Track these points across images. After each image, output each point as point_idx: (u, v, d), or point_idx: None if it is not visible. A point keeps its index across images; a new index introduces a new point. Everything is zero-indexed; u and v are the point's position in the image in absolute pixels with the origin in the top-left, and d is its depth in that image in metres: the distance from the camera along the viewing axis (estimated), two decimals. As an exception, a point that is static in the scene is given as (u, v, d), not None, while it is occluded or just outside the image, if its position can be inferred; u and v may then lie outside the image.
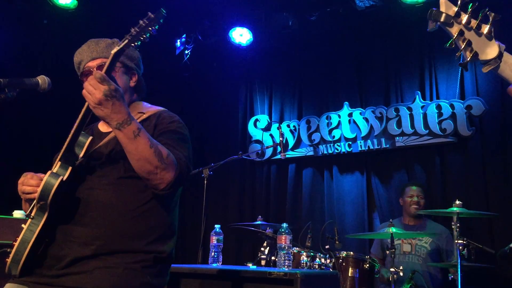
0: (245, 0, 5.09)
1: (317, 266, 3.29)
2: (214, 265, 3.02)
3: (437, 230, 4.09)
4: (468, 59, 1.40)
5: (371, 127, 4.98)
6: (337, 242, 3.67)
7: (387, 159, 5.01)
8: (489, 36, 1.39)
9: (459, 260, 3.19)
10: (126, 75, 1.88)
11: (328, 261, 3.36)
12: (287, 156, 4.72)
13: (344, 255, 3.43)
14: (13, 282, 1.66)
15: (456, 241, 3.25)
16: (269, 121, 5.69)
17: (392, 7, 4.71)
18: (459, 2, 1.38)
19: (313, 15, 5.02)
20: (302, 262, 3.25)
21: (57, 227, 1.67)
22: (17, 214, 3.59)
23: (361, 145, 5.02)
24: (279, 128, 4.24)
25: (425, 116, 4.68)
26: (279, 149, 4.15)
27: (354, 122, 5.10)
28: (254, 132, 5.72)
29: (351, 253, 3.46)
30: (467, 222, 4.15)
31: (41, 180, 1.62)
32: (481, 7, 1.39)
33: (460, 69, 4.60)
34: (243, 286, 2.61)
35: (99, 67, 1.74)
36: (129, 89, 1.90)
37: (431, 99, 4.75)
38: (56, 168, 1.67)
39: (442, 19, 1.38)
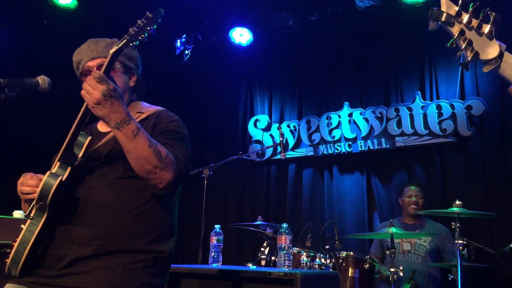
0: (245, 0, 5.09)
1: (317, 266, 3.29)
2: (214, 265, 3.02)
3: (437, 229, 4.10)
4: (469, 58, 1.40)
5: (371, 127, 4.98)
6: (337, 242, 3.67)
7: (387, 159, 5.01)
8: (490, 36, 1.39)
9: (459, 260, 3.19)
10: (125, 75, 1.88)
11: (328, 261, 3.35)
12: (287, 156, 4.72)
13: (344, 255, 3.43)
14: (12, 282, 1.66)
15: (456, 241, 3.25)
16: (269, 121, 5.69)
17: (392, 7, 4.70)
18: (460, 2, 1.38)
19: (313, 15, 5.02)
20: (302, 262, 3.25)
21: (57, 228, 1.66)
22: (17, 214, 3.59)
23: (361, 145, 5.02)
24: (279, 128, 4.23)
25: (425, 116, 4.68)
26: (279, 149, 4.15)
27: (354, 122, 5.10)
28: (254, 132, 5.72)
29: (351, 253, 3.46)
30: (467, 222, 4.15)
31: (40, 180, 1.62)
32: (482, 7, 1.39)
33: (460, 69, 4.61)
34: (243, 286, 2.61)
35: (99, 67, 1.74)
36: (128, 89, 1.89)
37: (431, 99, 4.75)
38: (55, 168, 1.67)
39: (443, 19, 1.38)
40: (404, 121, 4.79)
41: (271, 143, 5.37)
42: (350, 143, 5.09)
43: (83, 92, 1.56)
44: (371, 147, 4.97)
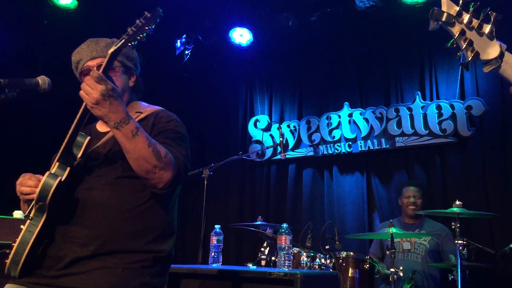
0: (245, 0, 5.08)
1: (317, 266, 3.29)
2: (214, 265, 3.01)
3: (436, 228, 4.10)
4: (469, 59, 1.40)
5: (371, 128, 4.98)
6: (337, 242, 3.67)
7: (387, 160, 5.01)
8: (490, 36, 1.39)
9: (459, 260, 3.19)
10: (125, 75, 1.89)
11: (328, 261, 3.35)
12: (287, 156, 4.72)
13: (344, 255, 3.43)
14: (12, 283, 1.66)
15: (456, 241, 3.25)
16: (269, 121, 5.69)
17: (392, 7, 4.70)
18: (460, 2, 1.38)
19: (313, 16, 5.02)
20: (302, 262, 3.25)
21: (56, 228, 1.66)
22: (17, 214, 3.58)
23: (361, 146, 5.02)
24: (279, 128, 4.23)
25: (425, 116, 4.68)
26: (279, 149, 4.15)
27: (354, 122, 5.10)
28: (254, 132, 5.72)
29: (351, 253, 3.46)
30: (467, 222, 4.15)
31: (39, 180, 1.62)
32: (483, 7, 1.39)
33: (460, 69, 4.61)
34: (243, 287, 2.61)
35: (99, 67, 1.74)
36: (128, 89, 1.90)
37: (431, 100, 4.75)
38: (54, 168, 1.67)
39: (443, 19, 1.38)
40: (404, 121, 4.79)
41: (271, 143, 5.38)
42: (350, 143, 5.09)
43: (81, 92, 1.56)
44: (371, 147, 4.97)
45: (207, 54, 5.76)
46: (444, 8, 1.39)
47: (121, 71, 1.86)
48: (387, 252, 3.58)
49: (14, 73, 1.81)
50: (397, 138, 4.83)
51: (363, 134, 5.01)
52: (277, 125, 5.35)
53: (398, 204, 4.42)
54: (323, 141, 5.26)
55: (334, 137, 5.17)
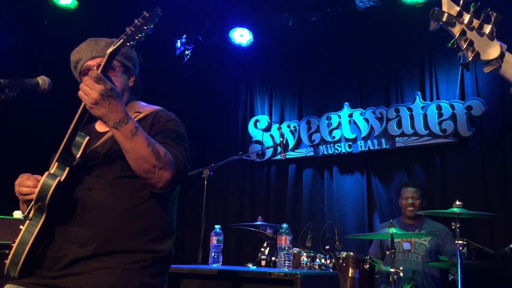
0: (245, 0, 5.09)
1: (317, 266, 3.29)
2: (214, 265, 3.01)
3: (436, 228, 4.10)
4: (470, 59, 1.39)
5: (371, 128, 4.98)
6: (337, 242, 3.66)
7: (387, 160, 5.00)
8: (491, 36, 1.39)
9: (459, 260, 3.19)
10: (125, 75, 1.89)
11: (328, 261, 3.35)
12: (287, 156, 4.72)
13: (344, 255, 3.43)
14: (12, 283, 1.66)
15: (456, 241, 3.24)
16: (269, 121, 5.69)
17: (392, 8, 4.70)
18: (461, 2, 1.38)
19: (313, 16, 5.02)
20: (302, 262, 3.25)
21: (55, 228, 1.66)
22: (17, 214, 3.58)
23: (361, 146, 5.02)
24: (279, 128, 4.23)
25: (425, 116, 4.68)
26: (279, 149, 4.14)
27: (354, 122, 5.10)
28: (254, 132, 5.72)
29: (351, 253, 3.46)
30: (467, 222, 4.15)
31: (38, 181, 1.62)
32: (483, 7, 1.39)
33: (460, 70, 4.60)
34: (243, 287, 2.61)
35: (99, 66, 1.74)
36: (127, 88, 1.90)
37: (431, 100, 4.75)
38: (53, 168, 1.67)
39: (444, 19, 1.38)
40: (404, 122, 4.79)
41: (271, 144, 5.38)
42: (350, 143, 5.09)
43: (80, 93, 1.56)
44: (371, 148, 4.97)
45: (207, 54, 5.76)
46: (444, 8, 1.38)
47: (121, 71, 1.86)
48: (387, 252, 3.58)
49: (14, 73, 1.81)
50: (397, 138, 4.82)
51: (363, 134, 5.01)
52: (277, 125, 5.35)
53: (398, 205, 4.42)
54: (323, 141, 5.26)
55: (334, 137, 5.17)
